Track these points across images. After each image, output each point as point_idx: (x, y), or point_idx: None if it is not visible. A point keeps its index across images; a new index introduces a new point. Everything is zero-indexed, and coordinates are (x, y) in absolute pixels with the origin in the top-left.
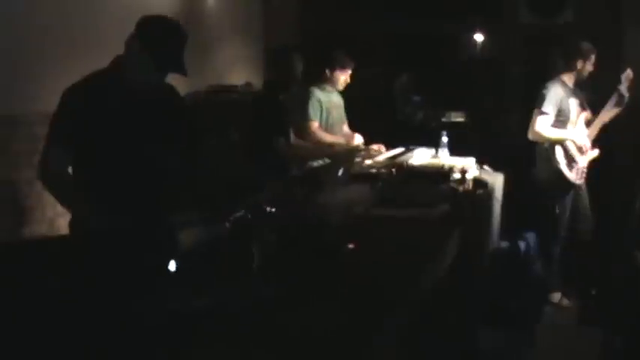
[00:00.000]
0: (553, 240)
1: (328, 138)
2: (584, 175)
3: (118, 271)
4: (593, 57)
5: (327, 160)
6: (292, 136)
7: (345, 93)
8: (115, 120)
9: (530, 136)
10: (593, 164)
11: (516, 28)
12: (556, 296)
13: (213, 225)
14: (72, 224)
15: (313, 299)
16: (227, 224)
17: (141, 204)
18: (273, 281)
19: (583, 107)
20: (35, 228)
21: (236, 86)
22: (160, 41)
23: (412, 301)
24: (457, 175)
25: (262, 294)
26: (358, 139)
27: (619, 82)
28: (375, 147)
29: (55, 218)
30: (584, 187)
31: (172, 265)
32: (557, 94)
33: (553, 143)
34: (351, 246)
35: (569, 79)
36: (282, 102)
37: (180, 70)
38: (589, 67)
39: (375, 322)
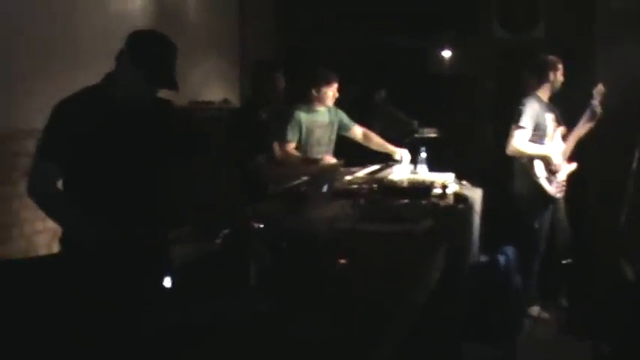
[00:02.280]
0: (532, 254)
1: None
2: (563, 188)
3: (113, 286)
4: (560, 67)
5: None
6: (277, 153)
7: None
8: (105, 136)
9: (508, 151)
10: (570, 177)
11: (489, 43)
12: (535, 309)
13: (204, 241)
14: (63, 239)
15: (308, 314)
16: (217, 240)
17: (133, 220)
18: (269, 296)
19: (558, 122)
20: (13, 245)
21: (213, 102)
22: (151, 57)
23: (404, 317)
24: (438, 190)
25: (259, 308)
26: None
27: (591, 96)
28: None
29: (34, 235)
30: (561, 200)
31: (168, 281)
32: (534, 109)
33: (531, 158)
34: (342, 261)
35: (543, 93)
36: (263, 119)
37: (172, 85)
38: (560, 77)
39: (370, 336)
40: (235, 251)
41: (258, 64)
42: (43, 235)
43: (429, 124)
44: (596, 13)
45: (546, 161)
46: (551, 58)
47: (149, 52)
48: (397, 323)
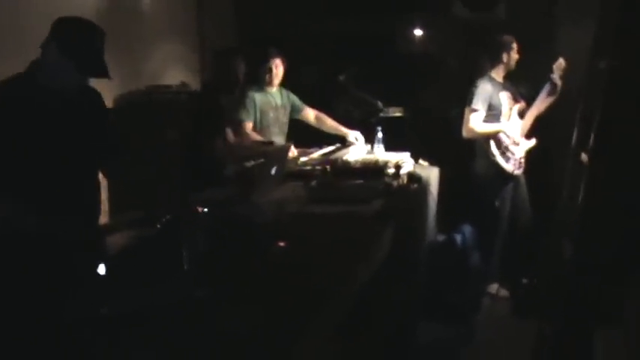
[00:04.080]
0: (493, 232)
1: (259, 138)
2: (521, 165)
3: (43, 274)
4: (514, 46)
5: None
6: (230, 136)
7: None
8: (31, 125)
9: (464, 133)
10: (529, 155)
11: (451, 23)
12: (494, 287)
13: (143, 227)
14: None
15: (242, 299)
16: (158, 226)
17: (63, 210)
18: (202, 282)
19: (516, 99)
20: None
21: (171, 86)
22: (81, 45)
23: (346, 298)
24: (391, 171)
25: (192, 295)
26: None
27: (551, 71)
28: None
29: None
30: (522, 179)
31: (102, 269)
32: (486, 90)
33: (487, 138)
34: (281, 244)
35: (497, 73)
36: (222, 104)
37: (103, 73)
38: (514, 56)
39: (305, 320)
40: (171, 237)
41: (218, 49)
42: None
43: (395, 104)
44: None
45: (500, 138)
46: (505, 38)
47: (78, 41)
48: (335, 302)
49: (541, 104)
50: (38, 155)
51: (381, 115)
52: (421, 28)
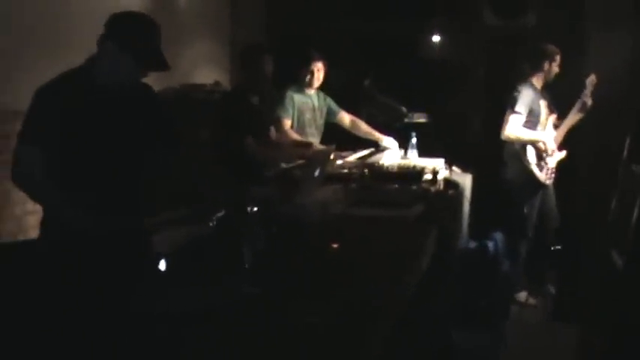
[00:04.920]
0: (521, 239)
1: (297, 137)
2: (552, 175)
3: (101, 272)
4: (558, 58)
5: (300, 162)
6: (274, 134)
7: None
8: (89, 120)
9: (502, 136)
10: (559, 165)
11: (480, 30)
12: (522, 295)
13: (197, 224)
14: (44, 222)
15: (301, 298)
16: (211, 224)
17: (119, 204)
18: (262, 280)
19: (551, 110)
20: (3, 226)
21: (205, 85)
22: (139, 40)
23: (395, 302)
24: (429, 176)
25: (252, 292)
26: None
27: (582, 85)
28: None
29: (24, 216)
30: (551, 187)
31: (162, 265)
32: (529, 96)
33: (524, 144)
34: (335, 245)
35: (537, 81)
36: (254, 103)
37: (163, 66)
38: (555, 68)
39: (361, 322)
40: (229, 235)
41: (247, 46)
42: (34, 216)
43: (419, 110)
44: (585, 0)
45: (539, 147)
46: (549, 47)
47: (135, 36)
48: (389, 308)
49: (571, 119)
50: (96, 150)
51: (406, 120)
52: (447, 33)
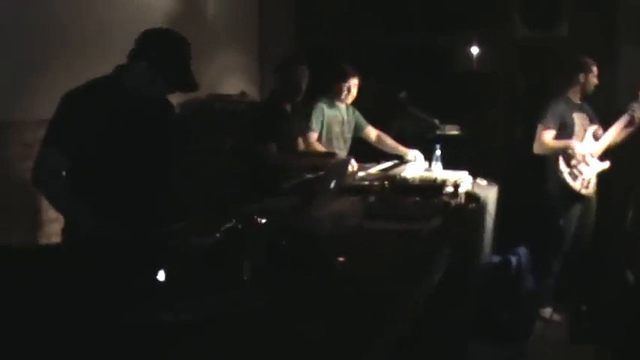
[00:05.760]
0: (554, 253)
1: (322, 149)
2: (589, 185)
3: (110, 280)
4: (594, 69)
5: (320, 172)
6: (301, 144)
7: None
8: (114, 129)
9: (534, 149)
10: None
11: (511, 41)
12: (547, 311)
13: (204, 234)
14: (65, 230)
15: (303, 311)
16: (217, 234)
17: (138, 213)
18: (262, 293)
19: (592, 121)
20: (28, 233)
21: (231, 95)
22: (168, 61)
23: (402, 315)
24: (449, 189)
25: (253, 305)
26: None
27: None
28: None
29: (48, 223)
30: (593, 202)
31: (161, 275)
32: (559, 109)
33: (557, 154)
34: (341, 259)
35: (574, 94)
36: (288, 112)
37: (193, 87)
38: (593, 80)
39: (363, 335)
40: (231, 246)
41: (286, 57)
42: (59, 222)
43: (452, 122)
44: (617, 12)
45: (568, 153)
46: (583, 60)
47: (167, 56)
48: (394, 322)
49: (618, 135)
50: (118, 158)
51: (438, 132)
52: (480, 45)
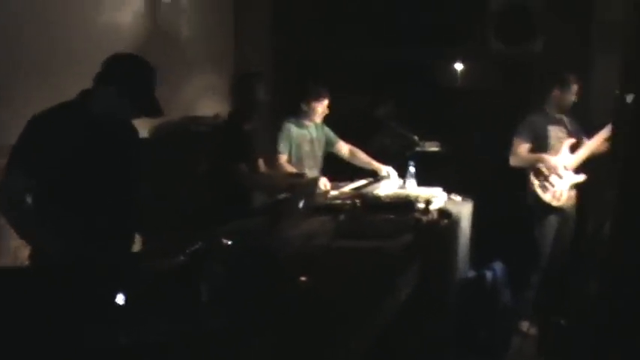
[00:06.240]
0: (531, 265)
1: (292, 170)
2: (562, 197)
3: (67, 301)
4: (574, 87)
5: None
6: (262, 166)
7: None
8: (81, 152)
9: (510, 162)
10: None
11: (486, 57)
12: (525, 325)
13: (169, 257)
14: (32, 255)
15: (264, 331)
16: (182, 257)
17: (105, 235)
18: (221, 314)
19: (570, 134)
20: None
21: (205, 117)
22: (135, 87)
23: (370, 333)
24: (421, 206)
25: (210, 326)
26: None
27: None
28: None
29: (20, 248)
30: (571, 215)
31: (120, 298)
32: (533, 123)
33: (529, 167)
34: (303, 278)
35: (550, 107)
36: (246, 131)
37: (157, 113)
38: (569, 96)
39: (330, 354)
40: (194, 269)
41: (241, 75)
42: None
43: (431, 138)
44: (592, 26)
45: (538, 167)
46: (561, 75)
47: (134, 83)
48: (359, 338)
49: (599, 147)
50: (81, 181)
51: (418, 149)
52: (459, 61)
